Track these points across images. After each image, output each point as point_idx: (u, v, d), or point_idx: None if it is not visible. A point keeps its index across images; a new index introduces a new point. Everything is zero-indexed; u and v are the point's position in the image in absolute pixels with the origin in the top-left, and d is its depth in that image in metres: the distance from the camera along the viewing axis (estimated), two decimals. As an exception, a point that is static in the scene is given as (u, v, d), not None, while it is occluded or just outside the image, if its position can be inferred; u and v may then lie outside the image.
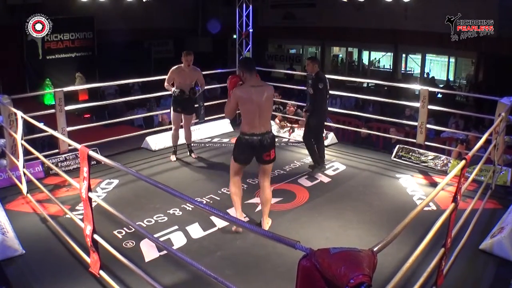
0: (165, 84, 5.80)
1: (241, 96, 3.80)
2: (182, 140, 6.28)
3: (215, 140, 7.08)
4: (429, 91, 6.04)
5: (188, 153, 6.21)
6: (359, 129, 7.64)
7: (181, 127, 6.10)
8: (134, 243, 3.81)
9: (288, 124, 7.44)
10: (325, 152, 6.01)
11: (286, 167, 5.84)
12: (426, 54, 14.45)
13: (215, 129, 7.42)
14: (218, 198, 4.82)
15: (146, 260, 3.57)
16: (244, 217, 4.32)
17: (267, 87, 3.91)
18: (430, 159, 5.98)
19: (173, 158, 6.06)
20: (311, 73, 5.66)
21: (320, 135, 5.79)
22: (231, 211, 4.45)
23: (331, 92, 8.29)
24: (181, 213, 4.41)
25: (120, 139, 6.33)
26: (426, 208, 4.36)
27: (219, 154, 6.38)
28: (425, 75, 14.33)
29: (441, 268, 3.02)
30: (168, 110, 6.33)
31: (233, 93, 3.83)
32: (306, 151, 6.44)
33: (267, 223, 4.02)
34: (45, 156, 4.85)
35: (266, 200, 4.04)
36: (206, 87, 7.51)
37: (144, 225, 4.14)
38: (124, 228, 4.03)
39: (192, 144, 6.38)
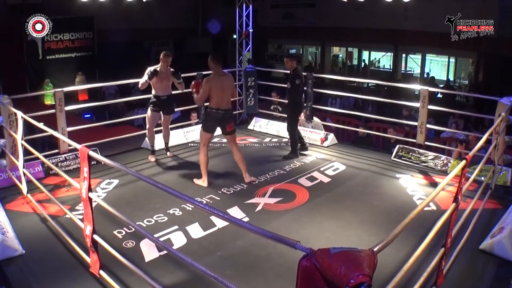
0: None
1: (211, 83, 4.95)
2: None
3: (215, 140, 7.06)
4: (429, 91, 6.04)
5: (165, 152, 6.20)
6: (359, 129, 7.64)
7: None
8: (134, 243, 3.81)
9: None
10: (325, 152, 6.39)
11: (286, 167, 5.84)
12: (426, 54, 14.45)
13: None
14: (218, 198, 4.82)
15: (146, 260, 3.57)
16: (244, 217, 4.33)
17: (228, 76, 5.11)
18: (430, 159, 5.98)
19: (152, 158, 6.00)
20: (289, 69, 6.18)
21: (294, 125, 6.31)
22: (231, 211, 4.47)
23: (330, 92, 8.33)
24: (181, 213, 4.41)
25: (120, 139, 6.34)
26: (426, 208, 4.35)
27: (219, 154, 6.38)
28: (425, 75, 14.34)
29: (441, 268, 3.02)
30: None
31: (205, 83, 4.94)
32: (306, 151, 6.48)
33: (248, 177, 5.22)
34: (45, 156, 4.85)
35: (239, 159, 5.24)
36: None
37: (144, 225, 4.14)
38: (124, 228, 4.03)
39: (193, 144, 6.39)
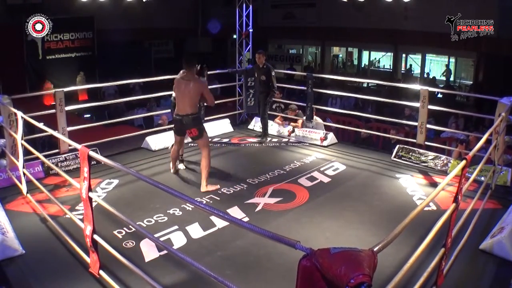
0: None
1: (175, 84, 4.96)
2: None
3: (215, 140, 7.08)
4: (429, 91, 6.04)
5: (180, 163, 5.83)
6: (359, 129, 7.64)
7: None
8: (134, 243, 3.81)
9: (290, 123, 7.50)
10: (325, 152, 6.56)
11: (286, 167, 5.83)
12: (426, 54, 14.44)
13: (215, 129, 7.41)
14: (218, 198, 4.82)
15: (146, 260, 3.57)
16: (244, 217, 4.33)
17: (193, 82, 4.82)
18: (430, 159, 5.98)
19: (181, 166, 5.80)
20: (261, 64, 6.80)
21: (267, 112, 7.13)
22: (231, 211, 4.47)
23: (331, 92, 8.37)
24: (181, 213, 4.41)
25: (120, 139, 6.34)
26: (426, 208, 4.35)
27: (219, 154, 6.38)
28: (425, 75, 14.33)
29: (441, 268, 3.02)
30: (169, 110, 6.31)
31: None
32: (305, 151, 6.52)
33: (204, 186, 4.96)
34: (45, 156, 4.85)
35: (202, 167, 5.01)
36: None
37: (144, 225, 4.14)
38: (124, 228, 4.03)
39: (193, 144, 6.38)
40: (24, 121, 4.41)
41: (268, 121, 7.20)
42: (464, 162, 2.97)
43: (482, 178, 5.01)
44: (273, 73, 6.80)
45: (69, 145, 5.36)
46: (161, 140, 6.58)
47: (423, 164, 5.97)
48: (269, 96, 6.88)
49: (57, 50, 12.72)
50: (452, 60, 14.01)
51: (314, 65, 17.29)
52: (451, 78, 13.99)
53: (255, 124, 7.82)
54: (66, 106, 5.69)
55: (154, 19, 15.02)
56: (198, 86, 4.84)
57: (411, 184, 5.31)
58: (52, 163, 5.26)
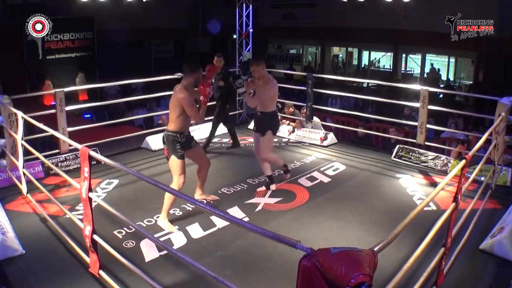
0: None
1: None
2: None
3: (215, 140, 7.06)
4: (429, 91, 6.04)
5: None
6: (359, 129, 7.64)
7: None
8: (134, 243, 3.81)
9: (290, 123, 7.49)
10: (325, 152, 6.56)
11: (286, 167, 5.83)
12: (426, 54, 14.45)
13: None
14: (218, 198, 4.82)
15: (146, 260, 3.57)
16: (244, 217, 4.33)
17: (175, 93, 4.10)
18: (430, 159, 5.98)
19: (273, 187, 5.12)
20: (220, 69, 6.24)
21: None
22: (231, 211, 4.47)
23: (330, 92, 8.35)
24: (181, 213, 4.41)
25: (121, 139, 6.33)
26: (426, 208, 4.36)
27: (219, 154, 6.39)
28: (425, 75, 14.33)
29: (441, 268, 3.02)
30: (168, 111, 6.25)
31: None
32: (305, 151, 6.53)
33: (162, 218, 4.09)
34: (45, 156, 4.85)
35: (165, 195, 4.07)
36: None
37: (144, 225, 4.14)
38: (124, 228, 4.03)
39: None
40: (24, 121, 4.41)
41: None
42: (463, 161, 2.97)
43: (482, 178, 5.01)
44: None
45: (70, 145, 5.37)
46: (161, 140, 6.55)
47: (423, 164, 5.97)
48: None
49: (57, 50, 12.72)
50: (452, 60, 14.01)
51: (314, 65, 17.29)
52: (451, 78, 14.00)
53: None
54: (66, 106, 5.70)
55: (154, 19, 15.01)
56: (177, 98, 4.03)
57: (411, 184, 5.31)
58: (52, 163, 5.26)
